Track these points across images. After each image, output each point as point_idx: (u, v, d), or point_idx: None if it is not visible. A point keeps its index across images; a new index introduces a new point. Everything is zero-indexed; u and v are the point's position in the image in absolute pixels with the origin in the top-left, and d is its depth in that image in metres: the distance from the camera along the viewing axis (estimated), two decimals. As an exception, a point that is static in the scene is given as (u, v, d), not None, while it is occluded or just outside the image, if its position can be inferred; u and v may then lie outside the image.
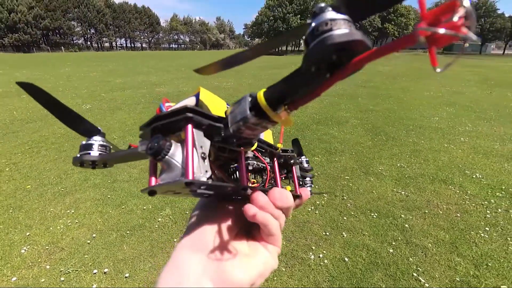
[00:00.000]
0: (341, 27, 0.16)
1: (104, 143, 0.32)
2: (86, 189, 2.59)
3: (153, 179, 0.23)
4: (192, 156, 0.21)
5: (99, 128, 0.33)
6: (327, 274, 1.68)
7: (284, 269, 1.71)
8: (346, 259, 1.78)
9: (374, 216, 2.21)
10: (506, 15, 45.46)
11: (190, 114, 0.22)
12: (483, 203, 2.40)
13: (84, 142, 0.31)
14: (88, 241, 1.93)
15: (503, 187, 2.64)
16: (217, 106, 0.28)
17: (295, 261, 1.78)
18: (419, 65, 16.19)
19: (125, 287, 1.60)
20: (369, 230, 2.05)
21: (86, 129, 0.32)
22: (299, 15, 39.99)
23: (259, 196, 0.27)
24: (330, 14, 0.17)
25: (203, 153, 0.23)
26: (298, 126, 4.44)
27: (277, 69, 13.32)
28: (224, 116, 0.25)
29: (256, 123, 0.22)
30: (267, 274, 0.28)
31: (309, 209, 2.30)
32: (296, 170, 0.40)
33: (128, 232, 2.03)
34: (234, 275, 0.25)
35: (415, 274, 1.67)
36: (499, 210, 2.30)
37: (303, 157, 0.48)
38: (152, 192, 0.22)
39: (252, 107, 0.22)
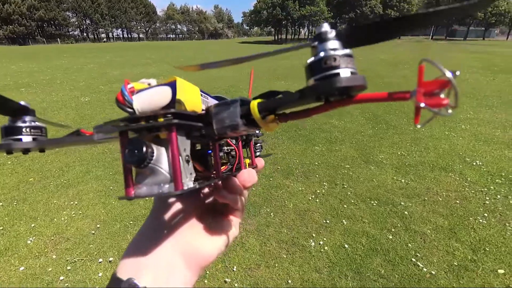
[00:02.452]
0: (347, 66, 0.17)
1: (38, 124, 0.25)
2: (88, 181, 2.61)
3: (131, 184, 0.21)
4: (179, 164, 0.20)
5: (25, 104, 0.24)
6: (328, 260, 1.72)
7: (285, 256, 1.75)
8: (346, 246, 1.81)
9: (374, 204, 2.23)
10: (511, -1, 44.31)
11: (176, 121, 0.20)
12: (482, 189, 2.42)
13: (7, 125, 0.23)
14: (93, 232, 1.96)
15: (503, 174, 2.65)
16: (192, 98, 0.25)
17: (296, 248, 1.81)
18: (421, 53, 15.91)
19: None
20: (369, 218, 2.08)
21: (7, 107, 0.23)
22: (297, 2, 39.16)
23: (232, 182, 0.29)
24: (334, 44, 0.17)
25: (187, 155, 0.22)
26: (299, 116, 4.42)
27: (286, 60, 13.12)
28: (200, 111, 0.24)
29: (244, 130, 0.22)
30: (231, 242, 0.30)
31: (310, 198, 2.33)
32: (253, 143, 0.42)
33: (131, 222, 2.06)
34: (203, 248, 0.27)
35: (413, 260, 1.70)
36: (498, 196, 2.32)
37: None
38: (131, 198, 0.21)
39: (243, 115, 0.21)
